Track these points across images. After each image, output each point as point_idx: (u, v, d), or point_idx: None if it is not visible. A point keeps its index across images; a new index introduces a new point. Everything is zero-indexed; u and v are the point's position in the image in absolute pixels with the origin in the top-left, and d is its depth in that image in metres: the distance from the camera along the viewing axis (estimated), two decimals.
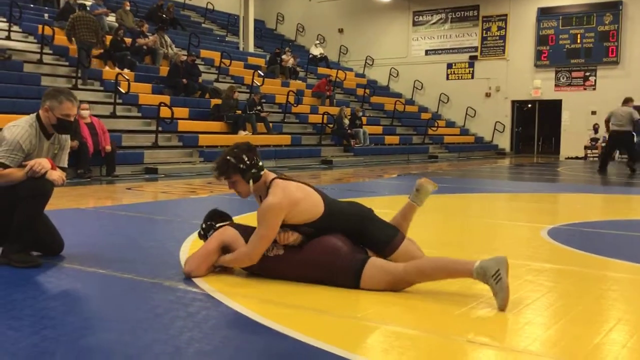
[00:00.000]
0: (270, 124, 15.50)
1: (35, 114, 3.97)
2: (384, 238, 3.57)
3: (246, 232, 3.64)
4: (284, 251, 3.52)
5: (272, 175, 3.64)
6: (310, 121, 17.64)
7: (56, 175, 3.85)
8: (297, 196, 3.51)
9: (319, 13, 27.05)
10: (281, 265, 3.51)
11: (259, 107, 15.33)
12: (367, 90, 22.02)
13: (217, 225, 3.76)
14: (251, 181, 3.55)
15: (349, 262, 3.40)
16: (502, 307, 3.07)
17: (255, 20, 22.80)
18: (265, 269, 3.56)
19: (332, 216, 3.56)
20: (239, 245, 3.59)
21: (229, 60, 17.71)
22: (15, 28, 14.81)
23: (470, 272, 3.20)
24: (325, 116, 16.96)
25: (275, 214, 3.43)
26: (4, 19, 14.98)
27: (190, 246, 4.54)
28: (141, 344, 2.55)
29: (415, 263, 3.37)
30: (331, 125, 17.25)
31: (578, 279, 3.87)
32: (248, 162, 3.53)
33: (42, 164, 3.77)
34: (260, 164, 3.59)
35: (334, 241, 3.49)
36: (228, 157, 3.55)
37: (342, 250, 3.45)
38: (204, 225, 3.83)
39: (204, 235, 3.84)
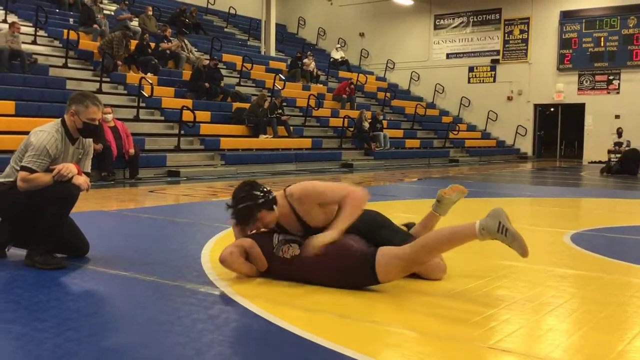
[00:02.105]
0: (291, 128, 15.55)
1: (60, 119, 4.03)
2: (397, 243, 3.56)
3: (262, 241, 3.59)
4: (299, 251, 3.49)
5: (281, 190, 3.63)
6: (331, 125, 17.65)
7: (82, 179, 3.91)
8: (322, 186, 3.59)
9: (340, 17, 27.07)
10: (295, 267, 3.50)
11: (280, 111, 15.38)
12: (388, 94, 21.99)
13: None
14: (274, 206, 3.51)
15: (361, 258, 3.39)
16: (524, 254, 3.12)
17: (277, 25, 22.87)
18: (281, 272, 3.55)
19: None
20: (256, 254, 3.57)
21: (251, 64, 17.80)
22: (40, 33, 15.03)
23: (475, 235, 3.20)
24: (345, 120, 16.96)
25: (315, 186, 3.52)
26: (30, 24, 15.21)
27: (212, 248, 4.57)
28: (162, 346, 2.57)
29: (419, 241, 3.38)
30: (352, 129, 17.25)
31: (601, 285, 3.82)
32: (262, 194, 3.49)
33: (69, 168, 3.83)
34: (268, 188, 3.57)
35: (347, 241, 3.46)
36: (245, 204, 3.46)
37: (353, 248, 3.44)
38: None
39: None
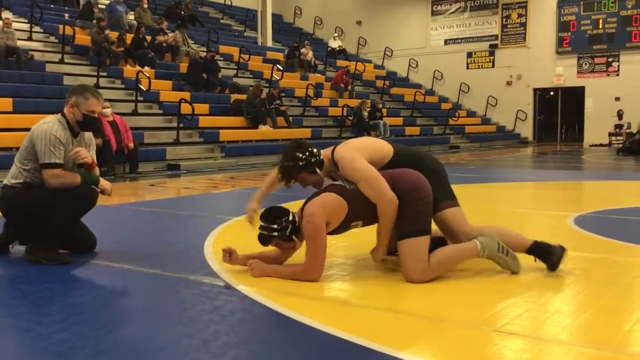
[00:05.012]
0: (290, 118, 15.50)
1: (59, 113, 3.99)
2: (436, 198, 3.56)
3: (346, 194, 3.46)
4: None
5: (329, 149, 3.66)
6: (330, 114, 17.61)
7: (108, 185, 4.00)
8: (364, 144, 3.71)
9: (337, 5, 26.93)
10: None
11: (278, 101, 15.34)
12: (387, 82, 21.90)
13: (290, 219, 3.45)
14: (317, 169, 3.59)
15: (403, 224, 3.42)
16: (518, 271, 3.52)
17: (273, 15, 22.76)
18: (360, 209, 3.47)
19: (399, 156, 3.67)
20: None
21: (248, 55, 17.72)
22: (36, 29, 14.96)
23: (477, 253, 3.47)
24: (345, 109, 16.92)
25: (359, 158, 3.50)
26: (25, 20, 15.13)
27: (215, 240, 4.56)
28: (168, 337, 2.57)
29: (435, 257, 3.40)
30: (351, 118, 17.22)
31: (606, 267, 3.81)
32: (303, 157, 3.55)
33: (87, 153, 3.87)
34: (315, 150, 3.61)
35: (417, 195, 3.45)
36: (285, 164, 3.57)
37: (408, 212, 3.42)
38: (275, 226, 3.42)
39: (287, 237, 3.45)
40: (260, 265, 3.50)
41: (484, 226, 3.69)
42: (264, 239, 3.47)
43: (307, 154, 3.56)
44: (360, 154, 3.53)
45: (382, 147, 3.68)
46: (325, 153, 3.65)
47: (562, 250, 3.55)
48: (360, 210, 3.44)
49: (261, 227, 3.46)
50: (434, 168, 3.68)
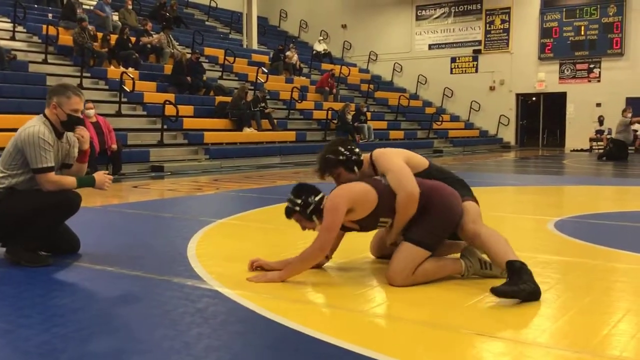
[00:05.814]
0: (275, 121, 15.51)
1: (41, 115, 3.92)
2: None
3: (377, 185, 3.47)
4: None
5: (368, 154, 3.72)
6: (314, 117, 17.63)
7: (103, 179, 4.02)
8: (401, 150, 3.76)
9: (322, 9, 26.99)
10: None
11: (263, 104, 15.34)
12: (371, 86, 21.99)
13: (317, 199, 3.46)
14: (355, 168, 3.63)
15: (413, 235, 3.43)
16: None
17: (259, 17, 22.75)
18: (390, 205, 3.48)
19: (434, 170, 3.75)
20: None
21: (233, 58, 17.70)
22: (19, 28, 14.84)
23: (461, 272, 3.53)
24: (329, 112, 16.96)
25: (396, 156, 3.61)
26: (8, 20, 15.00)
27: (198, 242, 4.55)
28: (150, 340, 2.56)
29: (420, 268, 3.40)
30: (335, 121, 17.25)
31: (586, 271, 3.86)
32: (345, 152, 3.61)
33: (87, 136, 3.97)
34: (357, 150, 3.67)
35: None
36: (327, 156, 3.63)
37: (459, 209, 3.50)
38: (299, 201, 3.45)
39: (307, 215, 3.46)
40: (262, 274, 3.50)
41: (486, 228, 3.56)
42: (287, 211, 3.52)
43: (350, 151, 3.63)
44: (398, 155, 3.64)
45: (419, 157, 3.78)
46: (364, 157, 3.71)
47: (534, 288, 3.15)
48: (392, 207, 3.44)
49: (288, 199, 3.52)
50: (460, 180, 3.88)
